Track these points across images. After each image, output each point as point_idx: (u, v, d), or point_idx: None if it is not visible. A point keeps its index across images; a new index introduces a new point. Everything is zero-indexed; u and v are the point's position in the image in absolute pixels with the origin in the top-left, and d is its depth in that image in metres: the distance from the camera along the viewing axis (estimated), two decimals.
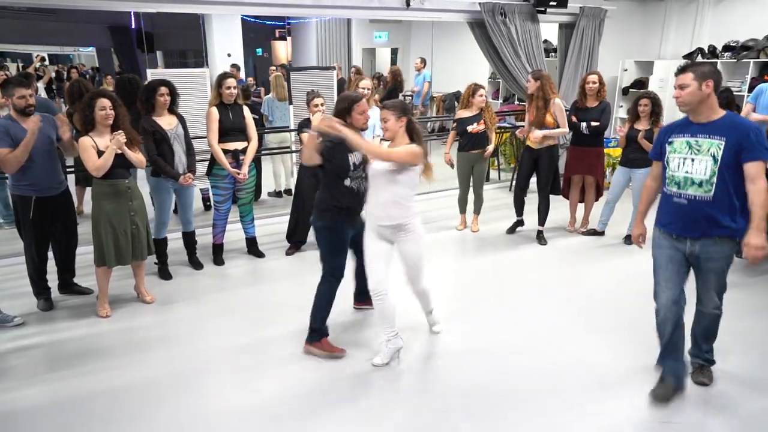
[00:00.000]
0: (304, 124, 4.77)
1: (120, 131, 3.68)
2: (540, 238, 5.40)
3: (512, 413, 2.87)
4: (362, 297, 3.79)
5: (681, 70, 2.75)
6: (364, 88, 5.02)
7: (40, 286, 3.99)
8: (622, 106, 8.05)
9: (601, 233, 5.53)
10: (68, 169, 4.72)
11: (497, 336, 3.65)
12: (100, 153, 3.64)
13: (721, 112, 2.74)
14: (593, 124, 5.21)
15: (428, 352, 3.48)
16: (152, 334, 3.67)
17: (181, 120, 4.39)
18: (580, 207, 5.70)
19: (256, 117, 6.15)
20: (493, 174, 7.82)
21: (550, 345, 3.54)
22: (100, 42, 15.88)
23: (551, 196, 5.41)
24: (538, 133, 5.10)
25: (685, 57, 7.23)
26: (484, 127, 5.35)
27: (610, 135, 6.99)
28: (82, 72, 9.94)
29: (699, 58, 7.05)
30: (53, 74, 11.07)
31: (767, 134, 2.81)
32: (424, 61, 9.16)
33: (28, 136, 3.55)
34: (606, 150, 5.95)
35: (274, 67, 9.87)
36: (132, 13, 10.62)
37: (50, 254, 4.00)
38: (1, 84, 3.92)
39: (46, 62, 16.84)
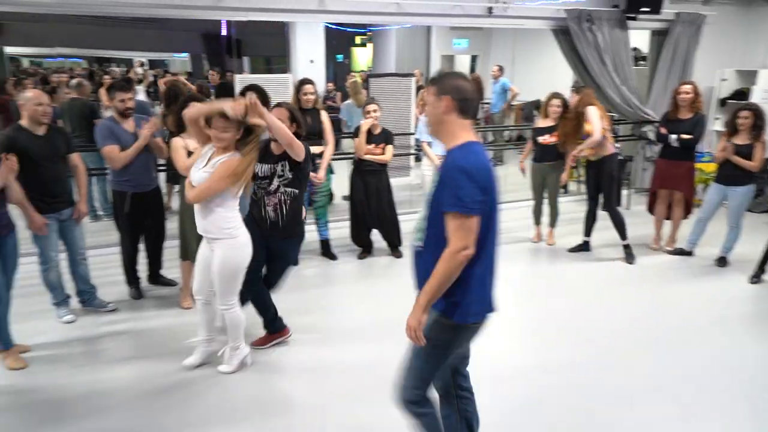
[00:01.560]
0: (357, 131, 4.84)
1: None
2: (628, 254, 5.09)
3: None
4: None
5: None
6: None
7: (131, 276, 4.28)
8: (718, 119, 7.52)
9: (689, 253, 5.18)
10: (160, 168, 5.04)
11: (567, 353, 3.51)
12: (189, 153, 3.86)
13: None
14: (684, 137, 4.90)
15: (493, 370, 3.40)
16: None
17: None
18: (666, 224, 5.37)
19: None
20: (574, 186, 7.54)
21: (625, 367, 3.36)
22: (193, 48, 16.90)
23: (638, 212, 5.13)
24: (572, 155, 5.06)
25: None
26: (556, 140, 5.16)
27: (704, 149, 6.54)
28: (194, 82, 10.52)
29: None
30: (151, 78, 11.86)
31: None
32: (501, 68, 9.00)
33: (140, 141, 3.87)
34: (698, 165, 5.58)
35: (353, 74, 10.08)
36: (223, 21, 11.22)
37: (141, 246, 4.29)
38: (106, 88, 4.25)
39: (146, 67, 18.15)
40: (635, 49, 7.74)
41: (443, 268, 1.93)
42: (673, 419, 2.90)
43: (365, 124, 4.75)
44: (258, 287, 3.44)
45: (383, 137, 4.86)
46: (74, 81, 6.02)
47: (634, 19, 6.48)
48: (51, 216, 3.58)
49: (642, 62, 7.92)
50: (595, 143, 4.86)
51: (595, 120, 4.85)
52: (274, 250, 3.43)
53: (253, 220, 3.32)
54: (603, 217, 5.15)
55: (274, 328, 3.57)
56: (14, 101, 5.73)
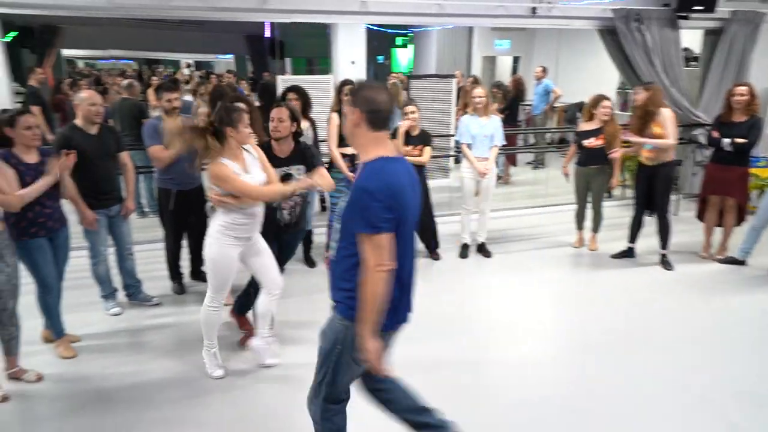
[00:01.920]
0: (395, 133, 4.83)
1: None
2: (665, 262, 4.95)
3: None
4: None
5: None
6: (476, 97, 4.95)
7: (174, 272, 4.40)
8: None
9: (742, 262, 4.95)
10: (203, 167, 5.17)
11: (603, 363, 3.41)
12: None
13: None
14: (738, 141, 4.68)
15: (528, 374, 3.33)
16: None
17: (313, 124, 4.61)
18: (717, 232, 5.16)
19: None
20: (617, 190, 7.33)
21: (677, 382, 3.23)
22: (237, 49, 17.29)
23: (685, 219, 4.94)
24: (636, 139, 4.74)
25: None
26: (603, 143, 5.01)
27: (760, 153, 6.24)
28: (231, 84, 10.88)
29: None
30: (197, 79, 12.19)
31: None
32: (545, 69, 8.83)
33: None
34: (753, 170, 5.34)
35: (393, 75, 10.07)
36: (266, 23, 11.43)
37: (184, 243, 4.40)
38: (154, 88, 4.39)
39: (193, 68, 18.68)
40: (686, 49, 7.46)
41: (366, 289, 1.92)
42: None
43: (403, 126, 4.74)
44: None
45: (421, 139, 4.85)
46: (125, 82, 6.24)
47: (686, 18, 6.25)
48: (101, 212, 3.72)
49: (693, 63, 7.63)
50: (668, 147, 4.69)
51: (670, 124, 4.66)
52: (283, 244, 3.61)
53: (266, 220, 3.27)
54: (647, 222, 4.99)
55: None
56: (70, 101, 5.99)
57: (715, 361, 3.45)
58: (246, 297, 3.60)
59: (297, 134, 3.46)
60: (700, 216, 5.20)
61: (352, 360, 2.09)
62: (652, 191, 4.86)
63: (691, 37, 7.26)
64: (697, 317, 4.06)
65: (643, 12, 6.13)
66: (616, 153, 4.96)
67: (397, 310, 2.08)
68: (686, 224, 5.69)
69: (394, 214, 1.92)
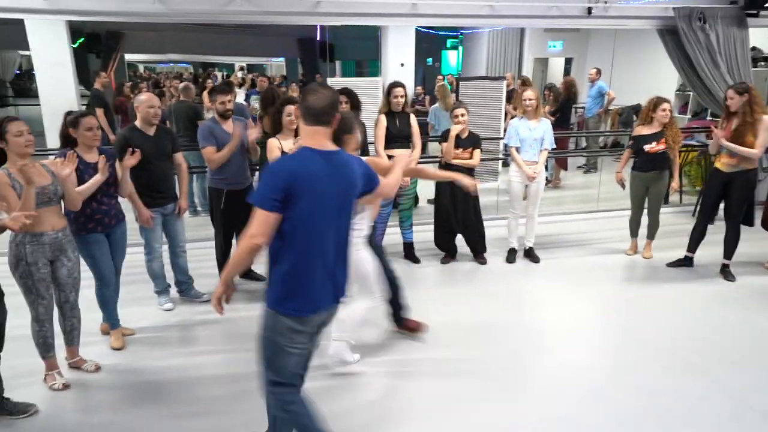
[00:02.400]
0: (446, 136, 4.78)
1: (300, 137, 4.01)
2: (726, 273, 4.70)
3: None
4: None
5: None
6: (527, 99, 4.84)
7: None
8: None
9: None
10: (255, 168, 5.28)
11: (647, 374, 3.26)
12: (284, 154, 4.01)
13: None
14: None
15: (571, 381, 3.23)
16: None
17: (361, 126, 4.64)
18: None
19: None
20: (674, 196, 7.03)
21: (734, 396, 3.05)
22: (288, 53, 17.61)
23: (742, 227, 4.65)
24: (721, 139, 4.39)
25: None
26: (665, 147, 4.79)
27: None
28: (271, 82, 11.24)
29: None
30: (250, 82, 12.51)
31: None
32: (599, 71, 8.56)
33: (233, 142, 4.06)
34: None
35: (441, 77, 10.02)
36: (318, 26, 11.60)
37: (234, 242, 4.51)
38: (208, 91, 4.52)
39: (245, 71, 19.17)
40: (754, 48, 7.08)
41: (237, 250, 2.15)
42: None
43: (454, 129, 4.70)
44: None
45: (471, 141, 4.79)
46: (181, 85, 6.47)
47: (756, 15, 5.91)
48: (156, 210, 3.86)
49: (762, 63, 7.23)
50: (755, 157, 4.40)
51: (766, 135, 4.32)
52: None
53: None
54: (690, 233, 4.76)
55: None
56: (131, 103, 6.26)
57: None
58: (395, 306, 3.72)
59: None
60: (766, 224, 4.91)
61: (276, 344, 2.23)
62: (725, 199, 4.59)
63: (760, 36, 6.87)
64: (755, 330, 3.82)
65: (707, 10, 5.85)
66: (677, 163, 4.70)
67: (308, 295, 2.18)
68: (750, 233, 5.38)
69: (286, 197, 2.05)
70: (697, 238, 4.85)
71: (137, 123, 3.76)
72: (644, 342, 3.70)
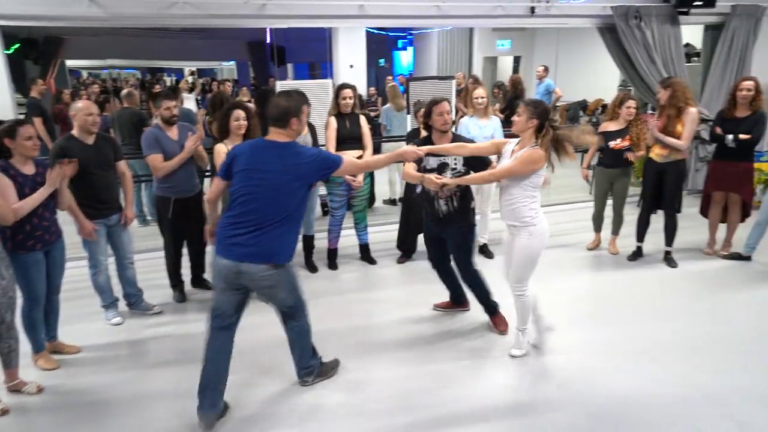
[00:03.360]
0: (413, 135, 4.79)
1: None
2: (669, 260, 4.90)
3: None
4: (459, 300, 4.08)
5: None
6: (478, 98, 4.92)
7: (175, 279, 4.40)
8: None
9: (747, 258, 4.89)
10: (206, 174, 5.17)
11: (619, 363, 3.37)
12: None
13: None
14: (742, 137, 4.62)
15: (539, 372, 3.29)
16: (268, 333, 3.82)
17: (311, 129, 4.61)
18: (722, 228, 5.10)
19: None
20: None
21: (681, 378, 3.18)
22: (239, 56, 17.36)
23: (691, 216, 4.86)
24: (654, 129, 4.57)
25: None
26: (630, 143, 4.88)
27: (762, 148, 6.17)
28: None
29: None
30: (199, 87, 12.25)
31: None
32: (546, 69, 8.79)
33: (184, 153, 3.98)
34: (756, 165, 5.27)
35: (390, 77, 10.06)
36: (268, 29, 11.46)
37: (185, 251, 4.40)
38: (152, 97, 4.39)
39: (196, 75, 18.76)
40: (687, 45, 7.42)
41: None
42: None
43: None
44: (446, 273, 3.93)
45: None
46: (124, 91, 6.26)
47: (686, 13, 6.20)
48: (100, 222, 3.72)
49: (695, 59, 7.58)
50: (682, 148, 4.58)
51: (690, 125, 4.53)
52: (449, 241, 3.72)
53: (426, 214, 3.73)
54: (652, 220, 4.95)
55: (460, 301, 4.08)
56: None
57: (720, 358, 3.40)
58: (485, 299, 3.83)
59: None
60: (704, 212, 5.15)
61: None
62: (661, 188, 4.79)
63: (692, 33, 7.21)
64: (699, 313, 4.00)
65: (642, 9, 6.09)
66: (641, 153, 4.85)
67: (223, 242, 2.74)
68: (690, 221, 5.63)
69: (229, 168, 2.82)
70: (642, 227, 5.03)
71: (74, 132, 3.61)
72: (595, 329, 3.81)
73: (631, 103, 4.87)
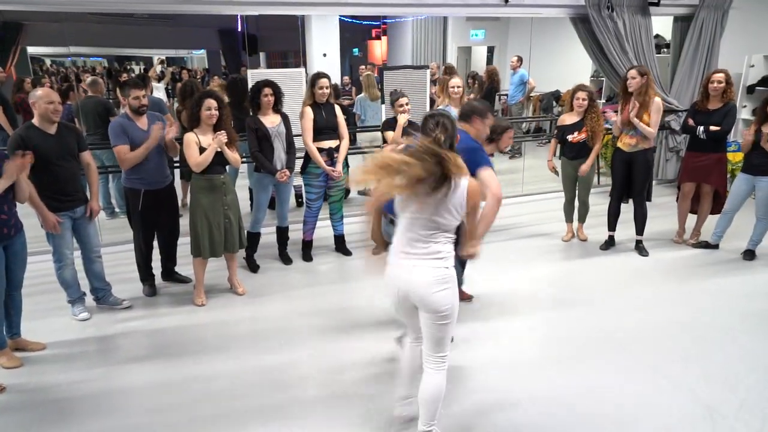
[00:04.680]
0: (390, 124, 4.76)
1: (222, 131, 3.85)
2: (640, 248, 4.98)
3: None
4: None
5: None
6: (454, 87, 4.90)
7: (145, 273, 4.28)
8: (746, 106, 7.26)
9: (715, 246, 5.01)
10: (175, 165, 5.03)
11: (587, 355, 3.41)
12: (201, 149, 3.83)
13: None
14: (712, 128, 4.69)
15: (509, 361, 3.31)
16: (243, 328, 3.79)
17: (285, 118, 4.52)
18: (691, 217, 5.20)
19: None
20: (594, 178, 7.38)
21: (649, 368, 3.24)
22: (210, 44, 16.95)
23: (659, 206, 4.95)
24: (632, 113, 4.56)
25: None
26: (585, 136, 4.93)
27: (731, 138, 6.31)
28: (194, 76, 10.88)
29: None
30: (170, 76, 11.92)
31: None
32: (520, 59, 8.82)
33: (149, 142, 3.83)
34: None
35: (363, 67, 9.97)
36: (239, 17, 11.22)
37: (155, 244, 4.28)
38: (120, 86, 4.25)
39: (165, 64, 18.28)
40: (657, 36, 7.52)
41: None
42: (698, 422, 2.79)
43: (402, 118, 4.67)
44: None
45: (414, 129, 4.83)
46: (89, 79, 6.06)
47: (656, 4, 6.27)
48: (64, 214, 3.58)
49: (665, 50, 7.69)
50: (652, 136, 4.64)
51: (656, 114, 4.61)
52: None
53: None
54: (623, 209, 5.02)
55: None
56: None
57: (689, 346, 3.47)
58: None
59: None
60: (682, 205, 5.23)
61: None
62: (630, 178, 4.85)
63: (662, 24, 7.30)
64: (669, 300, 4.08)
65: None
66: (597, 148, 4.91)
67: None
68: (660, 210, 5.74)
69: None
70: (614, 216, 5.10)
71: (35, 121, 3.45)
72: (567, 320, 3.85)
73: (581, 94, 4.90)
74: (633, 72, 4.65)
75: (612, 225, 5.11)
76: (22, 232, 3.27)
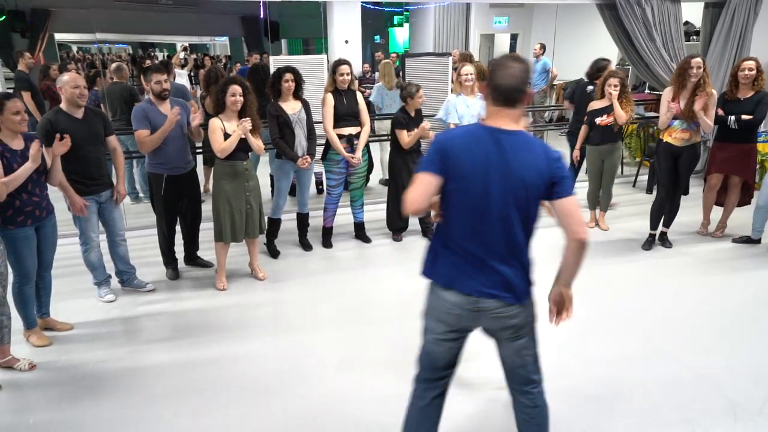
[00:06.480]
0: (400, 122, 4.73)
1: (247, 118, 3.88)
2: (663, 240, 4.90)
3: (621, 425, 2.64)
4: None
5: None
6: (466, 75, 4.83)
7: (168, 257, 4.36)
8: None
9: (757, 241, 4.87)
10: (197, 151, 5.09)
11: (611, 345, 3.38)
12: (226, 135, 3.87)
13: None
14: (744, 117, 4.56)
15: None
16: (263, 312, 3.85)
17: (305, 105, 4.53)
18: (716, 210, 5.09)
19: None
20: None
21: (674, 359, 3.20)
22: (232, 31, 17.01)
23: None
24: (698, 105, 4.34)
25: None
26: (612, 119, 4.88)
27: (761, 129, 6.14)
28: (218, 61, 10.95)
29: None
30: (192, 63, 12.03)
31: None
32: (543, 47, 8.67)
33: (166, 125, 3.86)
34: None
35: (380, 54, 9.89)
36: (261, 3, 11.24)
37: (178, 228, 4.35)
38: (143, 71, 4.30)
39: (188, 51, 18.41)
40: (687, 23, 7.33)
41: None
42: (720, 415, 2.75)
43: (426, 124, 4.67)
44: None
45: (420, 118, 4.82)
46: (114, 65, 6.14)
47: None
48: (90, 198, 3.66)
49: (694, 37, 7.49)
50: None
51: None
52: None
53: None
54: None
55: None
56: None
57: (712, 338, 3.42)
58: None
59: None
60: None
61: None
62: (677, 171, 4.66)
63: (693, 11, 7.11)
64: (694, 295, 4.01)
65: None
66: (619, 110, 4.79)
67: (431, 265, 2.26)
68: (683, 201, 5.61)
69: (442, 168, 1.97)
70: (658, 214, 4.84)
71: (62, 105, 3.52)
72: (595, 307, 3.82)
73: (612, 81, 4.83)
74: (698, 60, 4.39)
75: (655, 223, 4.88)
76: (53, 214, 3.35)
